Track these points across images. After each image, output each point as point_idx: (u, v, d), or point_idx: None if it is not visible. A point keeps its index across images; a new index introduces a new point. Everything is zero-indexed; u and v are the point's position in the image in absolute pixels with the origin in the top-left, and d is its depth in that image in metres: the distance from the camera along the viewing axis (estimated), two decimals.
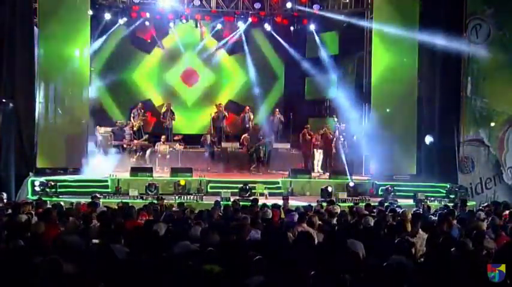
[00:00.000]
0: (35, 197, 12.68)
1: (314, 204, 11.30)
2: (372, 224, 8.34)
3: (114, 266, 5.54)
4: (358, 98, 18.62)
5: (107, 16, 17.59)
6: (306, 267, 5.29)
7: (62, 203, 10.98)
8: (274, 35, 19.47)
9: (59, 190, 13.72)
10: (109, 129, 17.32)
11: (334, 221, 9.19)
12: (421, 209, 11.49)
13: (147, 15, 17.94)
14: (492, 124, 16.53)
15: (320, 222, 8.41)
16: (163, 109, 18.79)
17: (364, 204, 11.58)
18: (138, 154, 17.24)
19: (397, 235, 7.41)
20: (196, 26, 19.36)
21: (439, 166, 16.31)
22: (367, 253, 6.74)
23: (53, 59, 15.34)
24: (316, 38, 19.56)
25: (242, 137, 18.24)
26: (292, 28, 19.11)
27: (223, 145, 18.27)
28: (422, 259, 6.81)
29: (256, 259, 5.45)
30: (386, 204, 11.86)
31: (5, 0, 14.62)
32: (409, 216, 8.70)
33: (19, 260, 5.44)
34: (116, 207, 10.65)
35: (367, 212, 9.78)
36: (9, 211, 9.62)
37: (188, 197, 13.73)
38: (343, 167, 16.67)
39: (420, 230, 7.79)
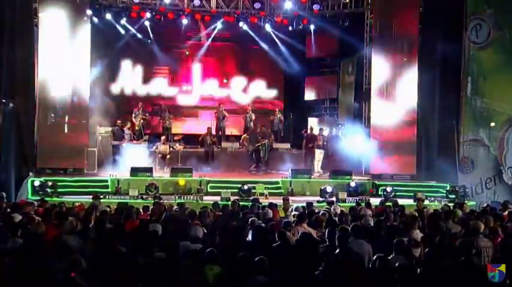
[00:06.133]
0: (35, 197, 12.66)
1: (315, 204, 11.27)
2: (372, 224, 8.34)
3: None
4: (358, 98, 18.65)
5: (107, 16, 17.57)
6: (307, 267, 5.29)
7: (63, 203, 10.96)
8: (275, 35, 19.46)
9: (59, 190, 13.71)
10: (109, 129, 17.31)
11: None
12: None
13: (147, 15, 17.91)
14: (492, 124, 16.52)
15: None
16: (163, 109, 18.81)
17: (364, 204, 11.56)
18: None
19: (396, 235, 7.40)
20: (197, 26, 19.34)
21: (439, 166, 16.30)
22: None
23: (52, 59, 15.32)
24: (316, 38, 19.56)
25: (242, 137, 18.22)
26: (291, 28, 19.05)
27: (223, 144, 18.26)
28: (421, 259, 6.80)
29: (258, 259, 5.44)
30: (388, 204, 11.83)
31: (4, 0, 14.61)
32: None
33: (19, 260, 5.44)
34: (116, 208, 10.62)
35: (368, 213, 9.76)
36: (8, 210, 9.61)
37: (188, 197, 13.73)
38: (344, 167, 16.67)
39: (417, 229, 7.79)
